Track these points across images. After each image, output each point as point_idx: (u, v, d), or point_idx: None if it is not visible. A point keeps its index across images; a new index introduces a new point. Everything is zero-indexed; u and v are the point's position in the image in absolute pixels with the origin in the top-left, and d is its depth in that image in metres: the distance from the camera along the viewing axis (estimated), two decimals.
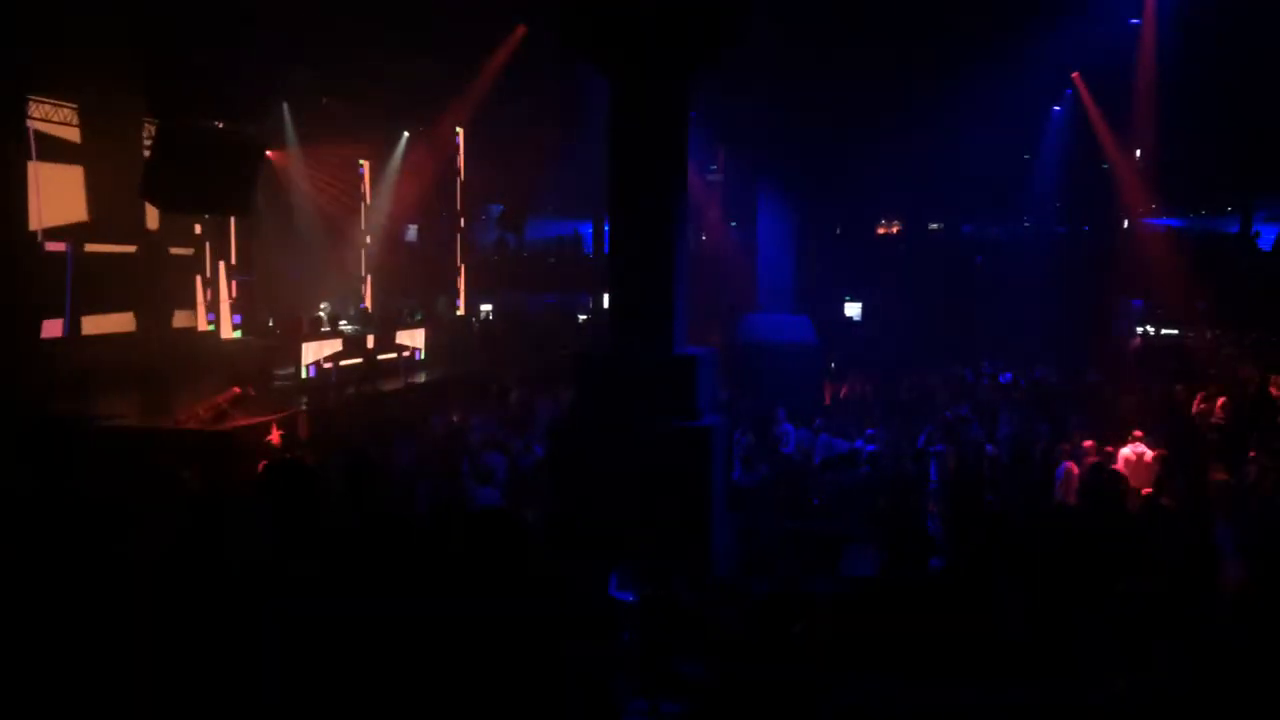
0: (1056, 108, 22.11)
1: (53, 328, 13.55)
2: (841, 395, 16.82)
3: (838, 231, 27.31)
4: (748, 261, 22.91)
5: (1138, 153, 22.21)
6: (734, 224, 26.80)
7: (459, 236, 22.32)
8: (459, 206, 22.14)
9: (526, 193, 23.56)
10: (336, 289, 19.37)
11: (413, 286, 21.80)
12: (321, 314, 17.54)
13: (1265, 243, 20.21)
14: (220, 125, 12.16)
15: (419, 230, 23.07)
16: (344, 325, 17.36)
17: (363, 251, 20.41)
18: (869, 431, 12.99)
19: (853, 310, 26.81)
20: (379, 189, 20.64)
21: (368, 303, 20.15)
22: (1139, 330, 22.74)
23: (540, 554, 5.50)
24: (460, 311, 22.38)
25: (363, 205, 20.29)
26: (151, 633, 3.47)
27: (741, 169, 24.04)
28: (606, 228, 8.49)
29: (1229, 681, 4.76)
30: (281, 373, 14.85)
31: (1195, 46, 16.20)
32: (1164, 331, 22.30)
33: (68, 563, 3.90)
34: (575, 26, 8.29)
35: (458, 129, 21.48)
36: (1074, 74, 20.36)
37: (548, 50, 17.97)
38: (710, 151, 25.62)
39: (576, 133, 19.75)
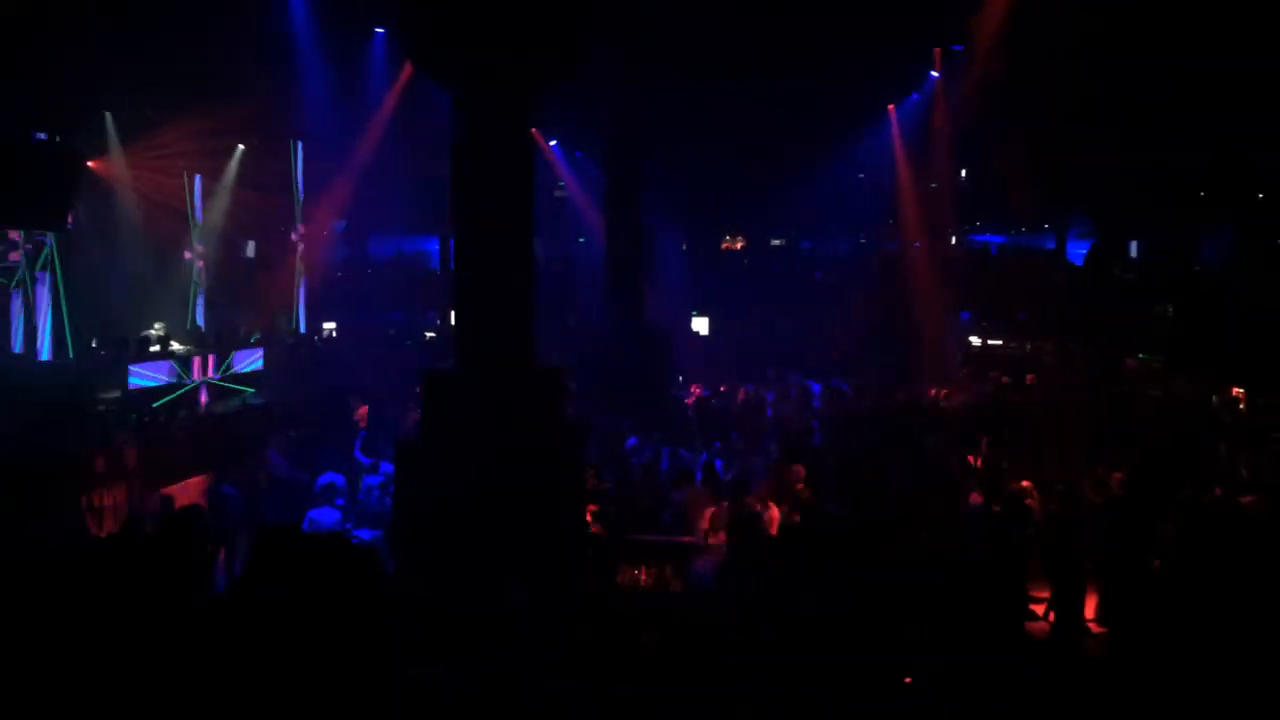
0: (887, 128, 23.19)
1: None
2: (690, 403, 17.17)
3: (684, 247, 27.80)
4: (596, 277, 23.06)
5: (963, 172, 23.48)
6: (581, 240, 26.96)
7: (299, 253, 21.69)
8: (299, 222, 21.52)
9: (370, 209, 23.08)
10: (170, 307, 18.49)
11: (251, 304, 21.02)
12: (154, 332, 16.74)
13: (1076, 258, 21.58)
14: (36, 136, 11.50)
15: (257, 246, 22.27)
16: (176, 346, 16.60)
17: (196, 268, 19.55)
18: (716, 445, 13.31)
19: (699, 324, 27.29)
20: (213, 203, 19.82)
21: (202, 322, 19.31)
22: (969, 341, 23.93)
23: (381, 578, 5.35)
24: (301, 330, 21.74)
25: (195, 220, 19.43)
26: None
27: (588, 186, 24.27)
28: (453, 244, 8.39)
29: None
30: (106, 396, 14.08)
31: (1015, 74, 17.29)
32: (990, 342, 23.53)
33: None
34: (424, 47, 8.19)
35: (297, 142, 20.89)
36: (890, 106, 21.44)
37: (395, 65, 17.78)
38: (557, 168, 25.75)
39: (420, 148, 19.54)
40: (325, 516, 9.16)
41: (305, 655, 3.26)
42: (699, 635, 7.69)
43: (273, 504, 10.42)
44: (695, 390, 17.80)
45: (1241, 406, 14.11)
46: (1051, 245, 22.75)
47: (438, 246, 27.36)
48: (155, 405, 14.27)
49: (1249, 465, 11.15)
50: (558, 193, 26.55)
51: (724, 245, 29.89)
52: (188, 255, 19.29)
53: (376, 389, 16.29)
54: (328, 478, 10.24)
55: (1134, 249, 20.95)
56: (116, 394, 14.17)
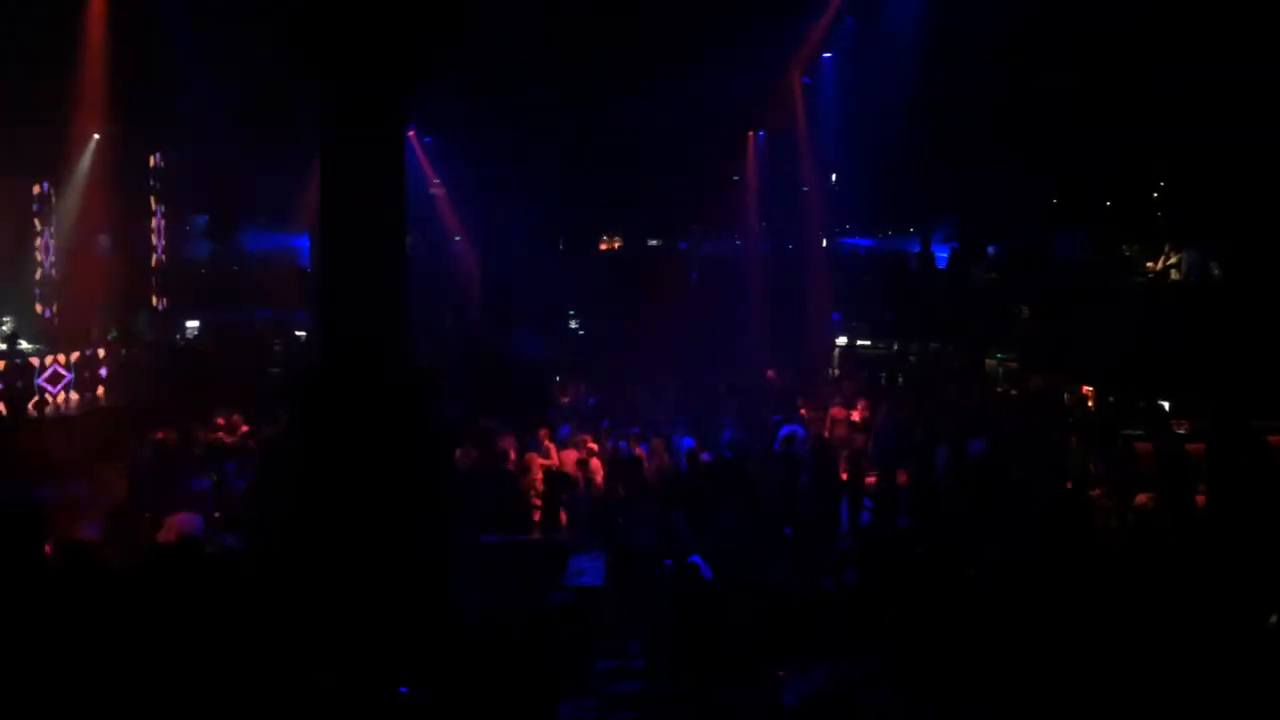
0: (761, 132, 23.63)
1: None
2: (564, 402, 17.18)
3: (561, 246, 27.72)
4: (473, 275, 22.84)
5: (834, 176, 24.08)
6: (457, 238, 26.62)
7: (158, 248, 20.81)
8: (158, 216, 20.65)
9: (236, 202, 22.32)
10: (22, 303, 17.55)
11: (107, 302, 20.07)
12: (2, 329, 15.90)
13: (940, 261, 22.35)
14: None
15: (112, 241, 21.26)
16: (24, 344, 15.79)
17: (44, 264, 18.55)
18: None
19: (578, 323, 27.25)
20: (65, 195, 18.82)
21: (53, 320, 18.34)
22: (838, 341, 24.52)
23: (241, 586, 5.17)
24: (158, 329, 20.87)
25: (44, 213, 18.42)
26: None
27: (465, 183, 23.98)
28: (321, 238, 8.13)
29: None
30: None
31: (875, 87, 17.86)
32: (860, 343, 24.17)
33: None
34: (291, 39, 7.95)
35: (157, 132, 20.03)
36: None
37: (258, 53, 17.20)
38: (432, 165, 25.36)
39: (288, 140, 18.96)
40: (190, 522, 8.84)
41: (159, 659, 3.15)
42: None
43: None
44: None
45: (1091, 404, 14.86)
46: (917, 249, 23.50)
47: (308, 243, 26.60)
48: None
49: (1097, 460, 11.74)
50: (433, 189, 26.14)
51: (601, 246, 29.92)
52: (36, 251, 18.33)
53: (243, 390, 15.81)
54: (202, 482, 9.95)
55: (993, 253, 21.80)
56: None
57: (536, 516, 11.03)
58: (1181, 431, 12.11)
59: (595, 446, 12.93)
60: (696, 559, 8.38)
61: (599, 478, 11.81)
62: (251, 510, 9.13)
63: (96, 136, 19.00)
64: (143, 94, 17.57)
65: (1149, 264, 14.75)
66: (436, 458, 7.83)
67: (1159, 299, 13.87)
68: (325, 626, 6.78)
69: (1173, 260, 14.06)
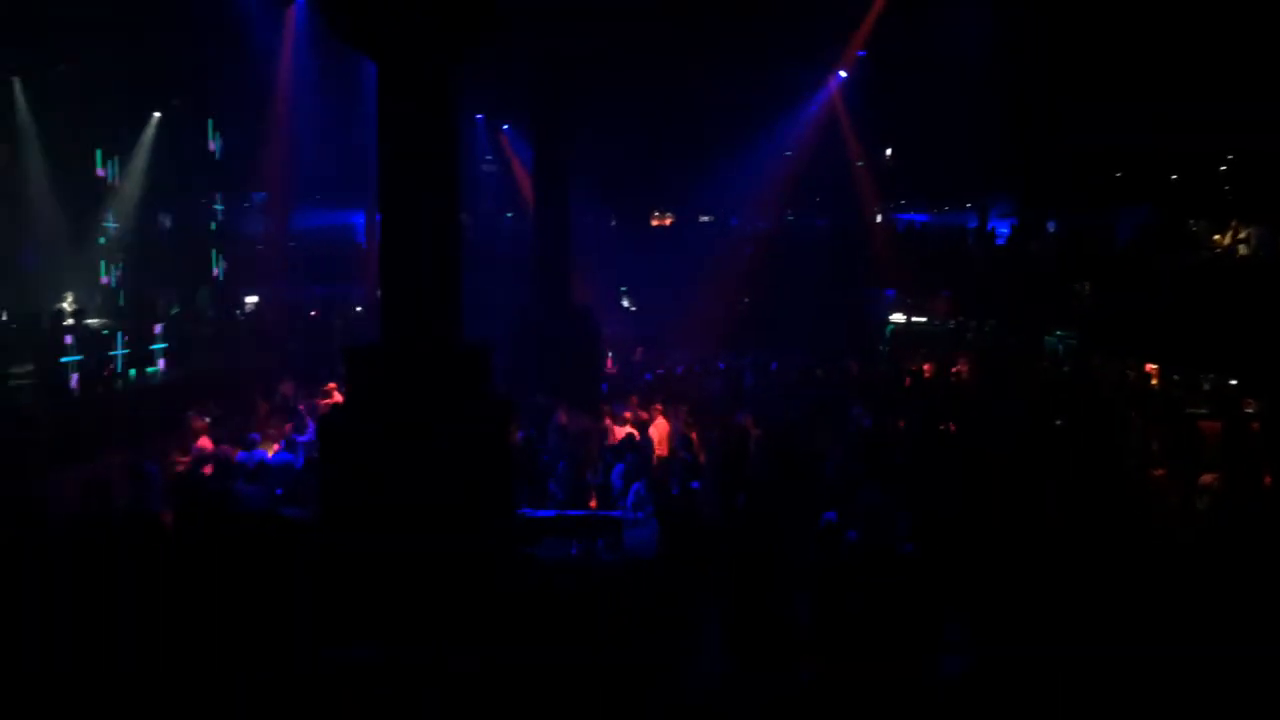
0: (813, 107, 23.36)
1: None
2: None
3: (613, 223, 27.72)
4: (525, 253, 22.91)
5: (888, 152, 23.76)
6: (510, 215, 26.74)
7: (220, 225, 21.17)
8: (217, 193, 20.99)
9: (292, 179, 22.58)
10: (82, 280, 17.92)
11: (170, 278, 20.46)
12: (65, 306, 16.24)
13: (1000, 237, 21.97)
14: None
15: (174, 218, 21.66)
16: (91, 320, 16.14)
17: (110, 241, 18.92)
18: None
19: (631, 300, 27.28)
20: (128, 173, 19.17)
21: (120, 296, 18.72)
22: (894, 320, 24.27)
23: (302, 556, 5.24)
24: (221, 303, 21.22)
25: (108, 190, 18.77)
26: None
27: (516, 161, 24.10)
28: (379, 217, 8.22)
29: None
30: (19, 370, 13.63)
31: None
32: (914, 320, 23.90)
33: None
34: (342, 11, 7.99)
35: (216, 111, 20.31)
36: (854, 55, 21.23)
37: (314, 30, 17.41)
38: (485, 142, 25.52)
39: (343, 118, 19.16)
40: (251, 493, 9.00)
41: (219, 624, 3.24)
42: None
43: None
44: None
45: (1154, 382, 14.57)
46: (974, 224, 23.12)
47: (363, 220, 26.89)
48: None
49: (1161, 439, 11.51)
50: (485, 167, 26.27)
51: (653, 221, 29.86)
52: (101, 227, 18.69)
53: (302, 364, 16.05)
54: (257, 455, 10.09)
55: (1053, 228, 21.39)
56: (29, 367, 13.74)
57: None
58: (1250, 411, 11.83)
59: (645, 415, 12.95)
60: (832, 515, 8.21)
61: (660, 448, 11.85)
62: (310, 485, 9.25)
63: (158, 114, 19.31)
64: (204, 72, 17.85)
65: (1216, 239, 14.35)
66: (493, 432, 7.87)
67: (1226, 275, 13.51)
68: (375, 596, 6.89)
69: (1241, 235, 13.67)
